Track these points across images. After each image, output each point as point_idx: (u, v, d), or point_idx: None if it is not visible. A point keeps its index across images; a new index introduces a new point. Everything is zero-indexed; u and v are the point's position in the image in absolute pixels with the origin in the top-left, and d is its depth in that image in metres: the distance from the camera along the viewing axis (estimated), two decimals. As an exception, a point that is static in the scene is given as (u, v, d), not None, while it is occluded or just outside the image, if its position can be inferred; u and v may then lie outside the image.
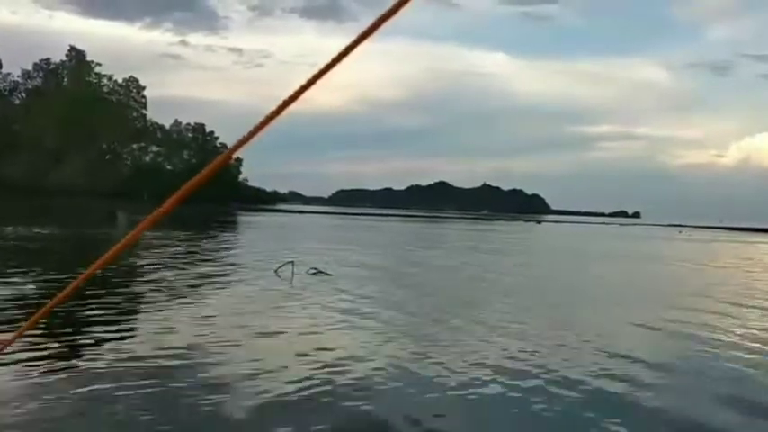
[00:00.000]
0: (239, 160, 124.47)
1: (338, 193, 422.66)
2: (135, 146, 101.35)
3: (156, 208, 1.26)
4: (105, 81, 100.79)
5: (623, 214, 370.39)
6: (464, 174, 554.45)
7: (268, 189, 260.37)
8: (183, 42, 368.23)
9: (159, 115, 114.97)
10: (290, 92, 1.16)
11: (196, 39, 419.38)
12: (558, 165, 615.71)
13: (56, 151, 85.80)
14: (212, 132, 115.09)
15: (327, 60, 1.18)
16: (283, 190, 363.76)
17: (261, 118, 1.12)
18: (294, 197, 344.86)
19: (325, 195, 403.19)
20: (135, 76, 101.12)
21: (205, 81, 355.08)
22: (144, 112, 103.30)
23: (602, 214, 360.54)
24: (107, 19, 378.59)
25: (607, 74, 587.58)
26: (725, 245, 60.10)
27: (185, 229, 34.47)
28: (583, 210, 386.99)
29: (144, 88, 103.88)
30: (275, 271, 17.49)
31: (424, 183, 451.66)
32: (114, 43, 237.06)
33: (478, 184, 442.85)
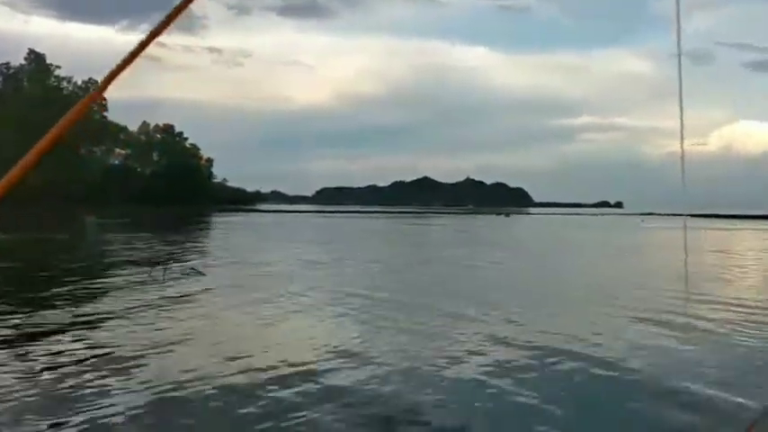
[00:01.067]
0: (210, 161, 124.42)
1: (322, 191, 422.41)
2: (97, 149, 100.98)
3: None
4: (65, 84, 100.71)
5: (606, 204, 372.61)
6: (448, 169, 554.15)
7: (250, 189, 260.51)
8: (161, 44, 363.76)
9: (137, 118, 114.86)
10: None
11: (174, 40, 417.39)
12: (541, 157, 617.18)
13: (15, 157, 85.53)
14: (181, 133, 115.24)
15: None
16: (266, 190, 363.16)
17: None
18: (277, 197, 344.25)
19: (309, 194, 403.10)
20: (95, 78, 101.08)
21: (185, 82, 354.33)
22: (105, 114, 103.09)
23: (586, 205, 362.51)
24: (84, 22, 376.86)
25: (587, 65, 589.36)
26: (676, 232, 61.38)
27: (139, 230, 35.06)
28: (566, 201, 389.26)
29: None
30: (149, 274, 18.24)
31: (408, 179, 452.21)
32: (91, 46, 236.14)
33: (462, 179, 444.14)
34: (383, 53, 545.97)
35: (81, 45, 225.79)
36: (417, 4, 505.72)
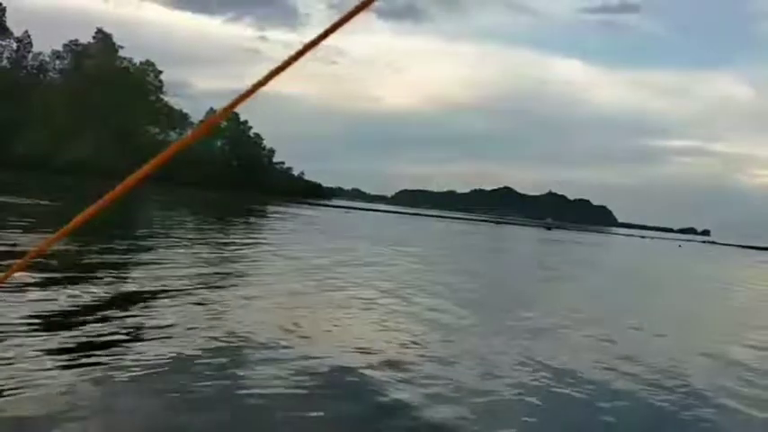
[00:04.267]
0: (272, 151, 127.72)
1: (401, 192, 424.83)
2: (152, 129, 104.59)
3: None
4: (126, 63, 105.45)
5: (692, 231, 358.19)
6: (530, 180, 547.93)
7: (333, 185, 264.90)
8: (263, 38, 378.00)
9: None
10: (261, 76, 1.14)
11: (275, 35, 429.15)
12: (629, 177, 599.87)
13: (70, 130, 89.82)
14: (246, 121, 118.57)
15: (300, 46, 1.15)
16: (347, 187, 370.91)
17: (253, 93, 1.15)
18: (357, 194, 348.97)
19: (389, 194, 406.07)
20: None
21: (281, 76, 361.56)
22: (161, 95, 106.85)
23: (671, 230, 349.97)
24: (193, 11, 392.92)
25: (686, 87, 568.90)
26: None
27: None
28: (651, 224, 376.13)
29: (161, 72, 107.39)
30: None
31: (489, 187, 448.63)
32: (196, 35, 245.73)
33: (544, 192, 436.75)
34: (476, 59, 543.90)
35: (187, 33, 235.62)
36: (514, 12, 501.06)
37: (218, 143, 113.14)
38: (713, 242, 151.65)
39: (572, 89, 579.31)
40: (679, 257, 59.35)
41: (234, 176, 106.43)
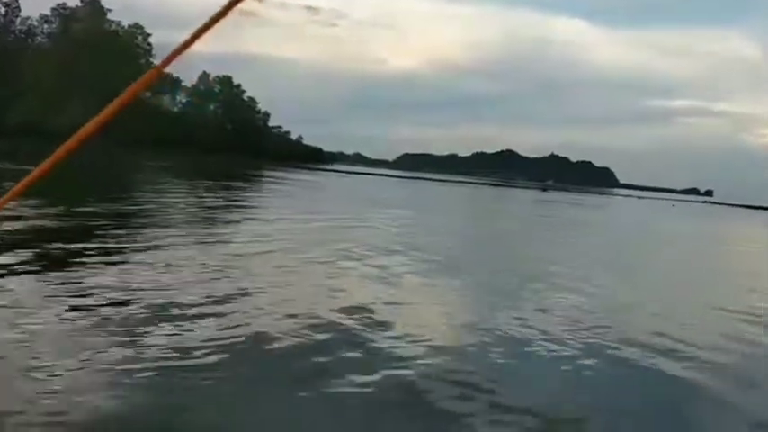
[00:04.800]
0: (267, 114, 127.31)
1: (403, 156, 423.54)
2: (143, 93, 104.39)
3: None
4: (114, 27, 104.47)
5: (695, 192, 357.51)
6: (532, 143, 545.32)
7: (334, 150, 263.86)
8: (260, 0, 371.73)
9: (225, 72, 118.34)
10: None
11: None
12: (631, 138, 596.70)
13: (59, 96, 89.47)
14: (239, 85, 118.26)
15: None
16: (349, 151, 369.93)
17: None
18: (359, 159, 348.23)
19: (390, 159, 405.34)
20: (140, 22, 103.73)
21: (278, 39, 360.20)
22: (150, 59, 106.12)
23: (674, 191, 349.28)
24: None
25: (691, 46, 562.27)
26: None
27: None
28: (653, 185, 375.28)
29: (150, 35, 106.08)
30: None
31: (490, 150, 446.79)
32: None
33: (546, 154, 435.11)
34: (479, 22, 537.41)
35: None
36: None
37: (211, 107, 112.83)
38: (713, 202, 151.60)
39: (575, 50, 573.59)
40: (666, 217, 59.51)
41: (228, 140, 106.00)
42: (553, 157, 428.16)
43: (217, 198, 28.46)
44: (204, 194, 29.96)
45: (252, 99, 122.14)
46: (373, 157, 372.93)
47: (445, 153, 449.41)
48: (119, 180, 34.76)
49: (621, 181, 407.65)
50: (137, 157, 53.45)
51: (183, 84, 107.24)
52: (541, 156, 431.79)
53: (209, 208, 23.39)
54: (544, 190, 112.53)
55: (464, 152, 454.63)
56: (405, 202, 38.58)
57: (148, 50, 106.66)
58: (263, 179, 50.68)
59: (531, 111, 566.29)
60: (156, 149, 50.41)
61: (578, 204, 67.31)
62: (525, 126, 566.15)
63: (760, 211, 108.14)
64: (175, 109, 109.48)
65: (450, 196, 57.73)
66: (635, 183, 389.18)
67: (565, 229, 32.20)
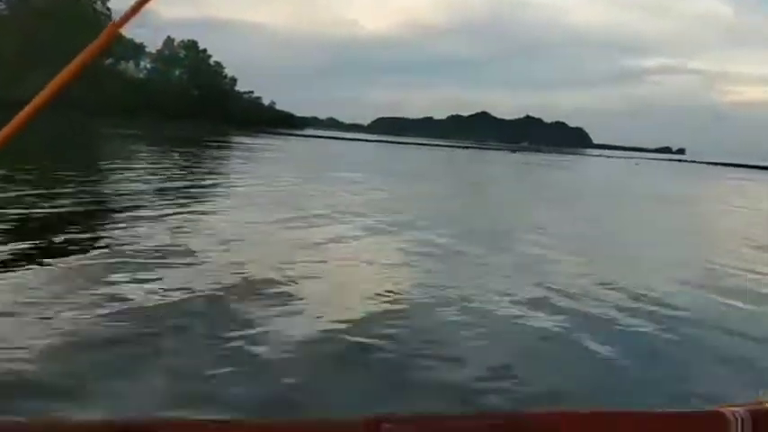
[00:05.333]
0: (234, 80, 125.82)
1: (378, 120, 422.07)
2: (104, 60, 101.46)
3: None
4: None
5: (668, 150, 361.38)
6: (507, 105, 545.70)
7: (308, 115, 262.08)
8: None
9: (190, 37, 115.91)
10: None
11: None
12: (605, 98, 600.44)
13: (20, 65, 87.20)
14: (205, 50, 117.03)
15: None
16: (323, 116, 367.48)
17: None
18: (333, 124, 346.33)
19: (365, 123, 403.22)
20: None
21: (250, 3, 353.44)
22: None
23: (647, 150, 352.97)
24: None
25: (665, 4, 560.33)
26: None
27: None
28: (627, 145, 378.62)
29: (108, 0, 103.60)
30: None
31: (465, 113, 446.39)
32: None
33: (521, 116, 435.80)
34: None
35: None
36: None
37: (177, 73, 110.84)
38: (684, 161, 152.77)
39: (551, 12, 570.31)
40: (623, 175, 59.32)
41: (193, 106, 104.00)
42: (528, 118, 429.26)
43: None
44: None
45: (218, 64, 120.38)
46: (347, 121, 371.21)
47: (421, 116, 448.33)
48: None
49: (596, 141, 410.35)
50: (101, 125, 52.19)
51: (147, 50, 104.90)
52: (516, 117, 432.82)
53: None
54: (513, 152, 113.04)
55: (440, 115, 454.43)
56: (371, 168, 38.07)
57: (108, 15, 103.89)
58: (222, 146, 49.82)
59: (505, 73, 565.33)
60: (122, 117, 49.20)
61: (550, 164, 67.40)
62: (500, 88, 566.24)
63: (730, 168, 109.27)
64: (140, 75, 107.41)
65: (414, 162, 57.29)
66: (609, 143, 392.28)
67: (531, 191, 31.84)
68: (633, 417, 0.80)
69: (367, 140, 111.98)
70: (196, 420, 1.09)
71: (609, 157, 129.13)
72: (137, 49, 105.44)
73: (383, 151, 65.14)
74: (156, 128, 64.83)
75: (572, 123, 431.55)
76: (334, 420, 0.71)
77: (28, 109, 1.13)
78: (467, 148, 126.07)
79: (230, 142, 54.30)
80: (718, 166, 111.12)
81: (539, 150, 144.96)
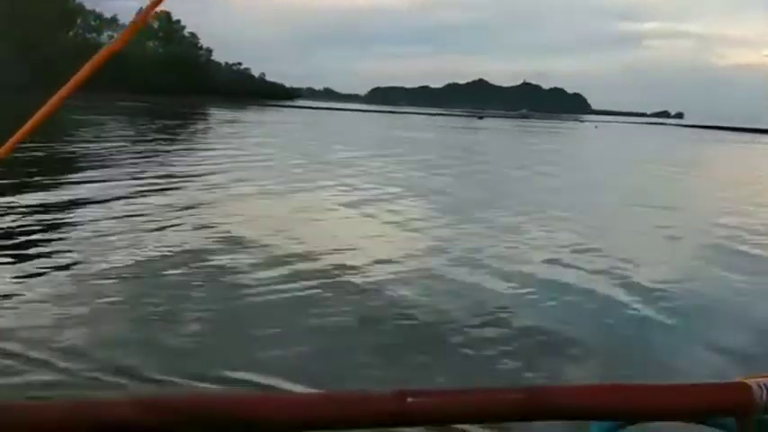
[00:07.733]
0: (209, 50, 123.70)
1: (374, 90, 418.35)
2: (66, 34, 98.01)
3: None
4: None
5: (666, 114, 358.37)
6: (504, 72, 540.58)
7: (302, 86, 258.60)
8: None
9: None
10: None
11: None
12: (602, 64, 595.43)
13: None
14: (179, 20, 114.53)
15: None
16: (319, 87, 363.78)
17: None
18: (329, 94, 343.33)
19: (361, 93, 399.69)
20: None
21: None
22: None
23: (645, 114, 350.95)
24: None
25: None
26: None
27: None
28: (625, 110, 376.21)
29: None
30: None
31: (463, 81, 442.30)
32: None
33: (518, 83, 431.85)
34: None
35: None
36: None
37: (150, 44, 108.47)
38: (684, 125, 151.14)
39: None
40: (587, 141, 57.81)
41: (168, 78, 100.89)
42: (526, 85, 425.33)
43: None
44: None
45: (193, 35, 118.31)
46: (343, 92, 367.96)
47: (417, 85, 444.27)
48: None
49: (594, 107, 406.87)
50: (76, 100, 50.92)
51: (118, 21, 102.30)
52: (514, 84, 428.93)
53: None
54: (480, 118, 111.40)
55: (436, 83, 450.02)
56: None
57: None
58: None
59: (502, 39, 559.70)
60: (93, 91, 47.77)
61: (533, 131, 66.32)
62: (497, 55, 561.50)
63: (728, 131, 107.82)
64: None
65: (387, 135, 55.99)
66: (607, 108, 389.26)
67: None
68: (655, 390, 0.82)
69: (364, 111, 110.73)
70: (223, 395, 1.07)
71: (596, 126, 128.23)
72: (107, 21, 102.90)
73: (385, 121, 63.78)
74: (126, 102, 63.18)
75: (570, 89, 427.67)
76: (363, 393, 0.77)
77: (27, 126, 1.11)
78: (468, 116, 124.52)
79: (203, 116, 52.96)
80: (716, 130, 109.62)
81: (530, 117, 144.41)
